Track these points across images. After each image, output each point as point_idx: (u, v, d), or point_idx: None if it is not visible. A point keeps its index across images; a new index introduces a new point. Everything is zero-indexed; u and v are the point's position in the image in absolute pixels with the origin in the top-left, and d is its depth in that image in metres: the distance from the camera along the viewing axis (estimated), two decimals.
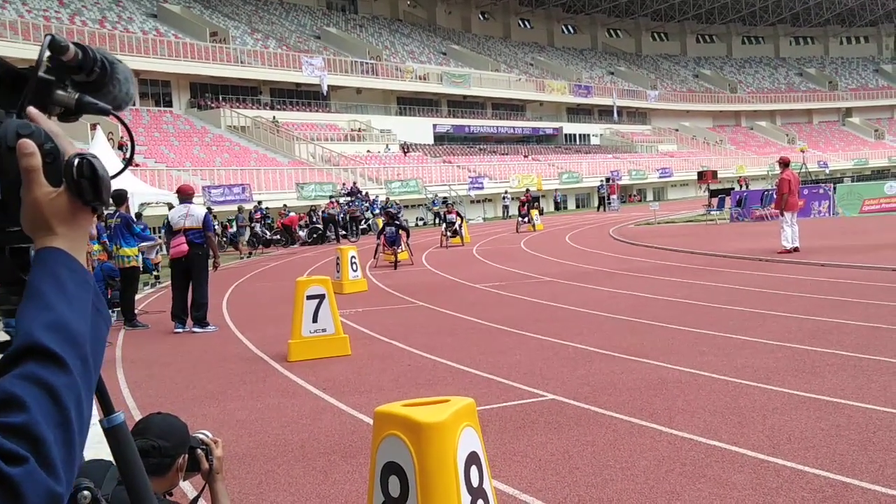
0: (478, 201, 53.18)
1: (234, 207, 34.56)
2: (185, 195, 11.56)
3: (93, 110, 1.33)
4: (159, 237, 16.33)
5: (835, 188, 29.64)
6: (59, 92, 1.26)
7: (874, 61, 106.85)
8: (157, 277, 18.62)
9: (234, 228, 32.25)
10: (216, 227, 25.84)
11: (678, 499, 4.09)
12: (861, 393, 5.83)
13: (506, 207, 51.90)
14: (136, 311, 12.35)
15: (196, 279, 11.23)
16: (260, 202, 35.88)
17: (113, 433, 1.26)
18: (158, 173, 34.27)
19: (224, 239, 32.39)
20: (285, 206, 36.20)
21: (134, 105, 44.26)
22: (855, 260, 14.44)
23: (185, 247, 11.06)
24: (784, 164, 17.63)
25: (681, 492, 4.18)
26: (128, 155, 1.42)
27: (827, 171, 68.36)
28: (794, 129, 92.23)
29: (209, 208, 29.56)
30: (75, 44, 1.29)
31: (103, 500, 1.50)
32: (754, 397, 5.91)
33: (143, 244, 12.29)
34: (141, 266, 12.46)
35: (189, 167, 38.55)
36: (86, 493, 1.39)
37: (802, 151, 54.81)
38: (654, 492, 4.21)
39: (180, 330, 11.23)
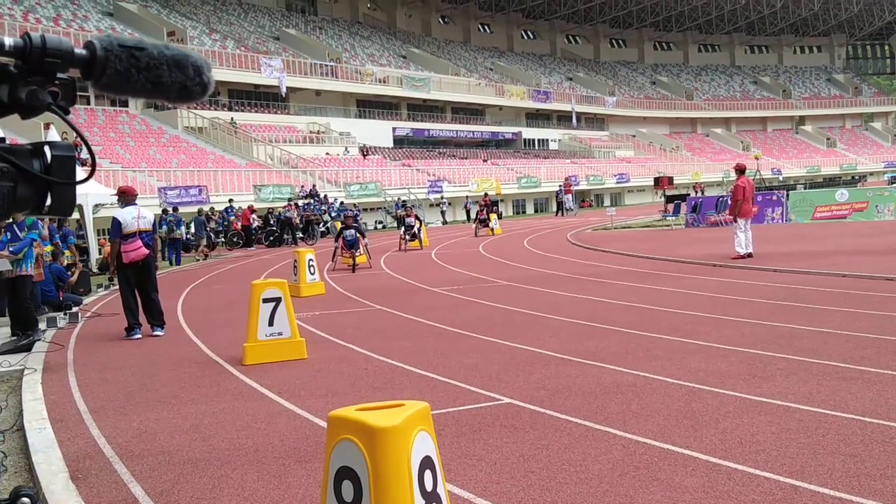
0: (437, 205, 53.26)
1: (191, 209, 34.20)
2: (131, 196, 11.27)
3: (40, 105, 1.27)
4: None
5: (788, 195, 30.10)
6: (21, 87, 1.22)
7: (827, 71, 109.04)
8: (110, 279, 18.35)
9: (193, 229, 31.79)
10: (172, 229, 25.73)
11: (631, 502, 4.12)
12: (811, 397, 5.93)
13: (443, 212, 51.93)
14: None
15: (152, 281, 11.09)
16: (231, 200, 35.73)
17: None
18: (114, 174, 33.79)
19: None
20: (231, 200, 36.24)
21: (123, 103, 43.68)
22: (806, 266, 14.68)
23: (144, 249, 10.89)
24: (740, 170, 17.88)
25: (634, 495, 4.21)
26: (80, 155, 1.37)
27: (780, 179, 69.46)
28: (748, 137, 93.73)
29: (166, 209, 29.26)
30: (26, 35, 1.25)
31: None
32: (707, 401, 5.98)
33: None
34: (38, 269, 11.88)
35: (145, 168, 38.09)
36: (25, 500, 1.35)
37: (757, 158, 55.72)
38: (607, 495, 4.24)
39: (139, 336, 11.01)
